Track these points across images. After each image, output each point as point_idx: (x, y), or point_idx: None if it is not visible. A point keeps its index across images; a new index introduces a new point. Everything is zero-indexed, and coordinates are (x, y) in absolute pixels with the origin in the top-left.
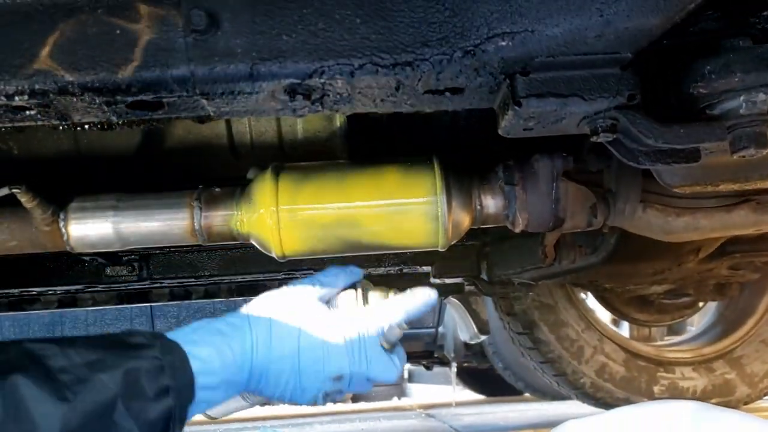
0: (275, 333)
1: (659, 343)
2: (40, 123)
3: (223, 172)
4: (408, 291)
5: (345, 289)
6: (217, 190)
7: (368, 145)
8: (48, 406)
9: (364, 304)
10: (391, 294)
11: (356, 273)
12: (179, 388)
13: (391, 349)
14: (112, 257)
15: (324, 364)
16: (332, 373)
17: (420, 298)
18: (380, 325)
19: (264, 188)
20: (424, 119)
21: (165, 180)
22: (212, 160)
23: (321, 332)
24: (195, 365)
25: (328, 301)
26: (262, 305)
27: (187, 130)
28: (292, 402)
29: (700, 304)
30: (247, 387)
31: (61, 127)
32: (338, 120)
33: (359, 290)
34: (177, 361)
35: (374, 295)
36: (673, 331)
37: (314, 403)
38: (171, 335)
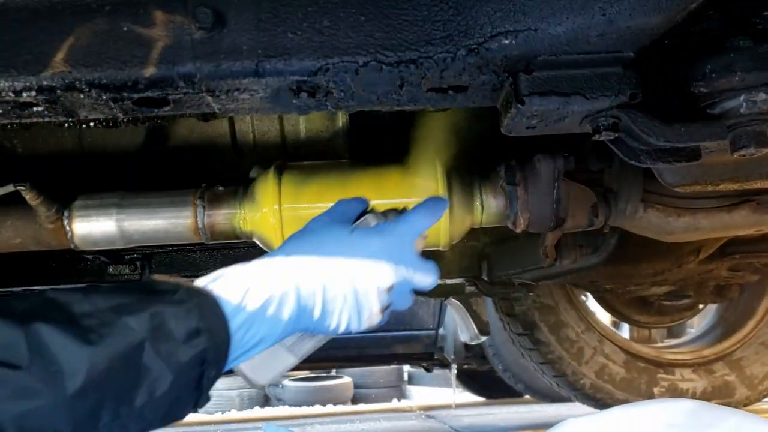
0: (320, 253)
1: (659, 344)
2: (46, 119)
3: (226, 172)
4: (420, 203)
5: (359, 216)
6: (220, 188)
7: (370, 145)
8: (73, 349)
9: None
10: (403, 208)
11: (363, 200)
12: (210, 328)
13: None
14: (115, 256)
15: (374, 277)
16: (383, 285)
17: (436, 203)
18: (413, 232)
19: (267, 187)
20: (429, 117)
21: (168, 179)
22: (215, 160)
23: (362, 247)
24: (229, 305)
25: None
26: (294, 236)
27: (190, 129)
28: (347, 331)
29: (700, 306)
30: (297, 323)
31: (66, 125)
32: (341, 119)
33: (375, 211)
34: (204, 302)
35: (390, 212)
36: (672, 333)
37: (369, 324)
38: (197, 281)
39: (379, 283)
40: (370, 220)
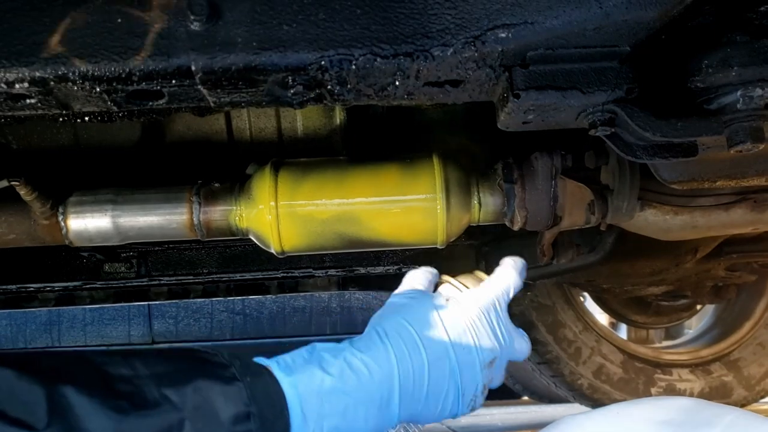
0: (420, 332)
1: (657, 345)
2: (40, 112)
3: (223, 168)
4: (498, 267)
5: (436, 287)
6: (216, 185)
7: (368, 142)
8: (100, 416)
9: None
10: (477, 273)
11: (432, 270)
12: (264, 414)
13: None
14: (111, 254)
15: (477, 351)
16: (486, 358)
17: (519, 262)
18: (504, 296)
19: (263, 183)
20: (424, 116)
21: (164, 175)
22: (212, 156)
23: (460, 318)
24: (306, 390)
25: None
26: (383, 314)
27: (186, 125)
28: (451, 415)
29: (698, 306)
30: (395, 413)
31: (61, 119)
32: (338, 116)
33: (451, 279)
34: (260, 383)
35: (466, 280)
36: (669, 334)
37: (472, 406)
38: (265, 360)
39: (481, 358)
40: (449, 289)
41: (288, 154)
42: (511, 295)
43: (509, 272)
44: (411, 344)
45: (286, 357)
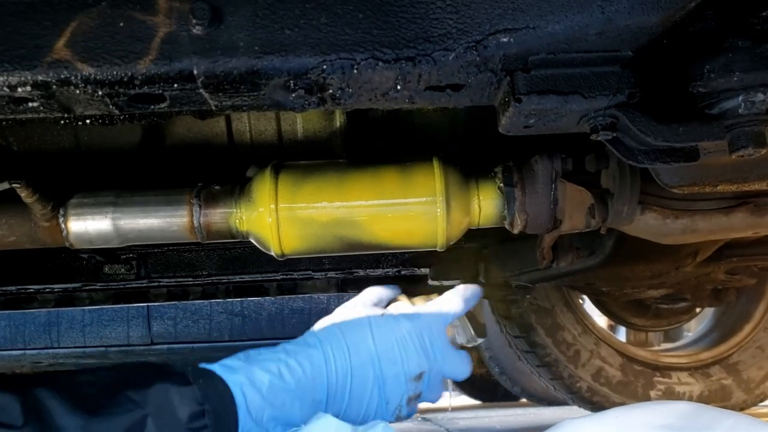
0: (350, 340)
1: (656, 348)
2: (42, 116)
3: (223, 171)
4: (452, 290)
5: (389, 303)
6: (216, 187)
7: (368, 146)
8: (73, 417)
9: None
10: (435, 297)
11: (395, 287)
12: (217, 411)
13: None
14: (110, 255)
15: (403, 364)
16: (412, 372)
17: (469, 290)
18: (441, 319)
19: (263, 186)
20: (424, 119)
21: (165, 178)
22: (212, 159)
23: (391, 332)
24: (248, 388)
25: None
26: (322, 322)
27: (187, 128)
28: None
29: (697, 309)
30: (322, 409)
31: (63, 122)
32: (338, 119)
33: (404, 299)
34: (211, 384)
35: (419, 301)
36: (668, 337)
37: (398, 415)
38: (210, 365)
39: (407, 371)
40: (399, 306)
41: (288, 157)
42: (450, 320)
43: (454, 299)
44: (339, 349)
45: (227, 361)
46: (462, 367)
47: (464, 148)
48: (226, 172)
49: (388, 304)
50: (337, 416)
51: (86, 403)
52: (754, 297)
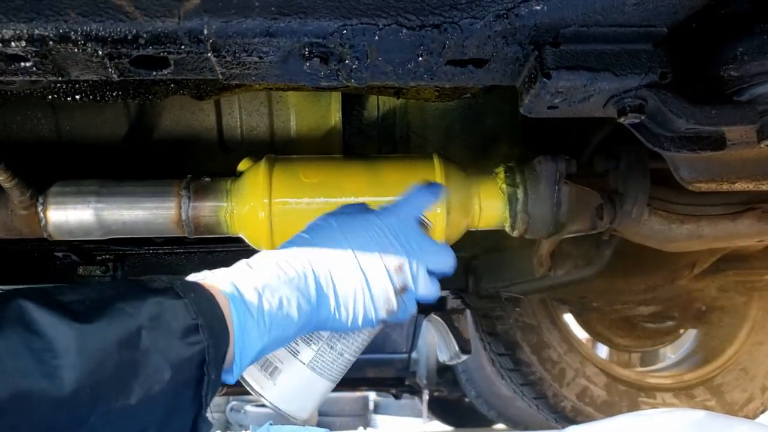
0: (327, 244)
1: (640, 368)
2: (34, 78)
3: (211, 167)
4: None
5: None
6: (206, 179)
7: (365, 147)
8: (62, 326)
9: None
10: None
11: (365, 205)
12: (210, 326)
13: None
14: (86, 256)
15: (381, 257)
16: (391, 263)
17: (433, 185)
18: (413, 208)
19: (257, 180)
20: (422, 120)
21: (150, 172)
22: (200, 154)
23: (362, 228)
24: (232, 300)
25: None
26: (297, 234)
27: (175, 121)
28: (367, 323)
29: (681, 330)
30: (310, 319)
31: (41, 116)
32: (334, 117)
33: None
34: (201, 297)
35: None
36: (644, 361)
37: (391, 311)
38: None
39: (386, 262)
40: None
41: (279, 155)
42: (419, 211)
43: (420, 191)
44: (318, 252)
45: (216, 271)
46: (444, 257)
47: (460, 151)
48: (215, 170)
49: None
50: (326, 321)
51: (76, 317)
52: (738, 319)
